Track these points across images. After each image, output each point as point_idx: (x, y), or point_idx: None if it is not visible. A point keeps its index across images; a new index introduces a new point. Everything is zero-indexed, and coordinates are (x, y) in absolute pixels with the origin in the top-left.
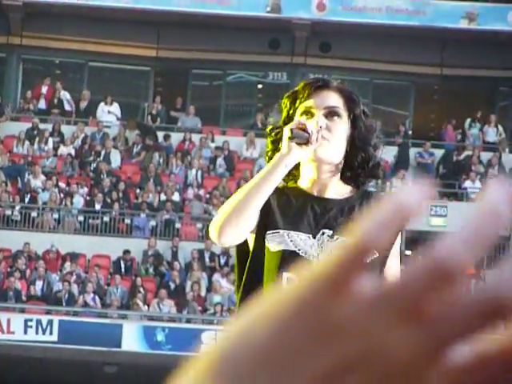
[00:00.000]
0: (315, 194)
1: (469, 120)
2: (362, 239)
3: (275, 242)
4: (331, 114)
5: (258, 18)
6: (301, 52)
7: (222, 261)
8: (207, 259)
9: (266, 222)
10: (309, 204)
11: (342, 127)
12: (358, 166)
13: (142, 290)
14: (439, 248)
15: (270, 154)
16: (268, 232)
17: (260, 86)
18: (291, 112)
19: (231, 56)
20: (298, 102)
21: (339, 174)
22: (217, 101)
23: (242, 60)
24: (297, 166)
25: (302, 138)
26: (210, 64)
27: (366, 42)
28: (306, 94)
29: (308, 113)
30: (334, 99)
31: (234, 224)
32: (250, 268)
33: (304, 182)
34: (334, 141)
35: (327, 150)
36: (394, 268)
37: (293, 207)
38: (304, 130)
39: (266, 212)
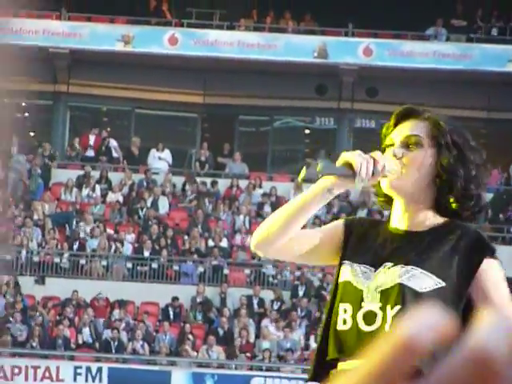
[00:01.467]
0: (398, 226)
1: None
2: (408, 341)
3: (341, 274)
4: (410, 143)
5: (305, 63)
6: (348, 97)
7: (273, 306)
8: (256, 305)
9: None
10: (381, 236)
11: (419, 156)
12: (443, 196)
13: (190, 336)
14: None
15: None
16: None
17: (307, 132)
18: (383, 144)
19: (278, 102)
20: (387, 133)
21: (428, 205)
22: (264, 146)
23: (289, 105)
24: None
25: (342, 173)
26: (256, 110)
27: (412, 87)
28: (392, 125)
29: (391, 145)
30: (416, 127)
31: (264, 241)
32: (330, 299)
33: (393, 217)
34: (408, 171)
35: (399, 181)
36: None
37: (365, 239)
38: (350, 165)
39: (346, 244)
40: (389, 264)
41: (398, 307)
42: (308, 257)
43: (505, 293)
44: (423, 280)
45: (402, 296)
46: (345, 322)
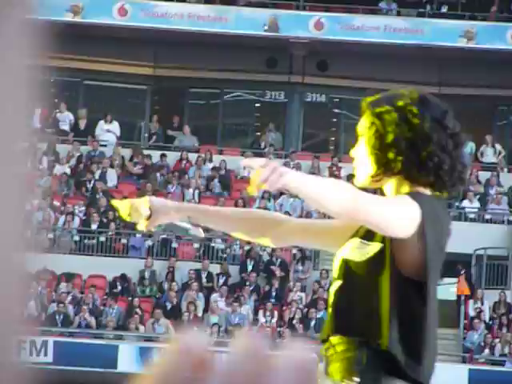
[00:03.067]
0: None
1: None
2: (182, 346)
3: None
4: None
5: (256, 36)
6: (298, 71)
7: (221, 281)
8: (204, 279)
9: None
10: None
11: (360, 147)
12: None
13: (138, 310)
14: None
15: None
16: None
17: (257, 105)
18: None
19: (229, 75)
20: None
21: (398, 176)
22: (214, 120)
23: (240, 79)
24: None
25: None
26: (207, 83)
27: (363, 61)
28: None
29: None
30: (361, 122)
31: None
32: None
33: None
34: (357, 165)
35: (358, 177)
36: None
37: None
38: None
39: None
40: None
41: (338, 282)
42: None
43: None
44: (364, 249)
45: (342, 270)
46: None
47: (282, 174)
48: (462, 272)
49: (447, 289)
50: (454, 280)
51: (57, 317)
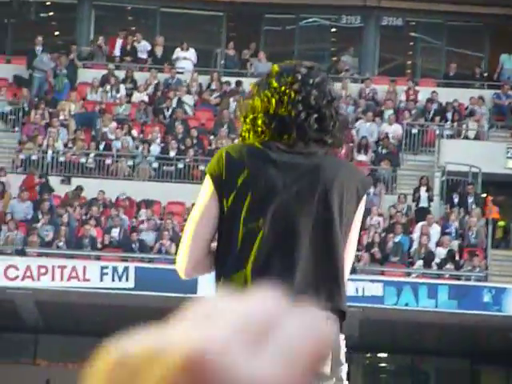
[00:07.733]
0: None
1: None
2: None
3: None
4: None
5: None
6: None
7: None
8: None
9: None
10: None
11: None
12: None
13: None
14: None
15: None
16: None
17: (333, 30)
18: None
19: (304, 0)
20: None
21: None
22: (290, 45)
23: (315, 4)
24: None
25: None
26: (282, 8)
27: None
28: None
29: None
30: None
31: None
32: None
33: None
34: None
35: None
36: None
37: None
38: None
39: None
40: None
41: None
42: None
43: None
44: None
45: None
46: None
47: None
48: None
49: None
50: None
51: (138, 243)
